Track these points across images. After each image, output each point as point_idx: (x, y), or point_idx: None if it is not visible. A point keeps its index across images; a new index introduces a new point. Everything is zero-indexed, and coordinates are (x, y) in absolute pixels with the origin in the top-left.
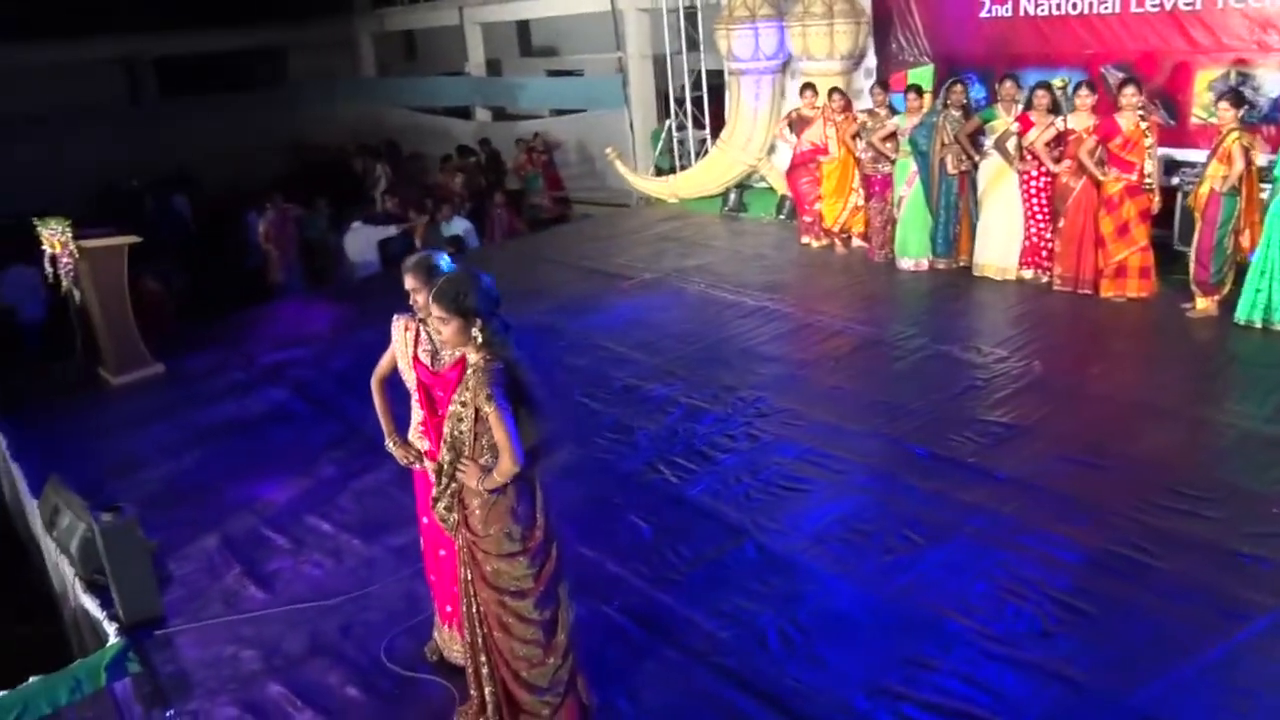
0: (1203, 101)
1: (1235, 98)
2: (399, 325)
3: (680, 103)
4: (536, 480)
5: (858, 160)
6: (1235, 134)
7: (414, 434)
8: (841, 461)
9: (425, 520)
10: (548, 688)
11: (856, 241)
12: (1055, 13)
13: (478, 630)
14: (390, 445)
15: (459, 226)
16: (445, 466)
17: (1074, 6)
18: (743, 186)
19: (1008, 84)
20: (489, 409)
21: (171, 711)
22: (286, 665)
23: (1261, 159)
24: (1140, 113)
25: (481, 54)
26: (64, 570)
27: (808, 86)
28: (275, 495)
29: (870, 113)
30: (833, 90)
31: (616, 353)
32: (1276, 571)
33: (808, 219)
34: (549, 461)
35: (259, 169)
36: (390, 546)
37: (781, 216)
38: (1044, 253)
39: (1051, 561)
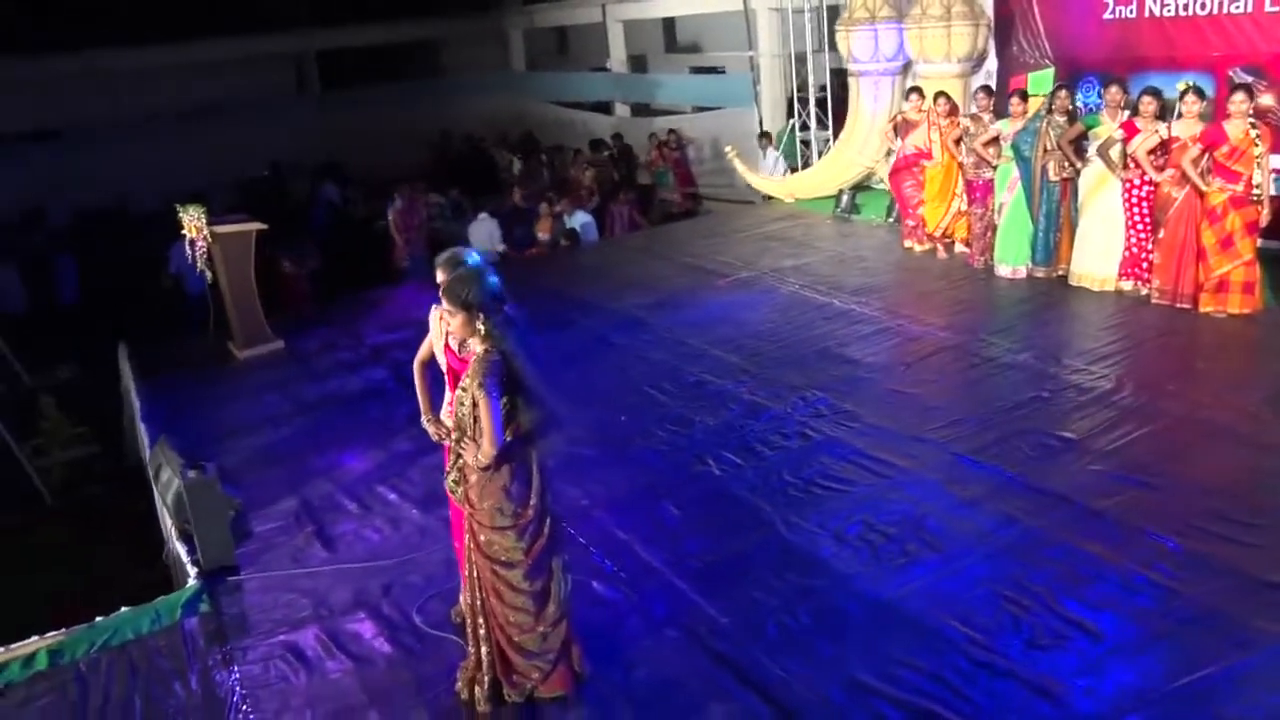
0: None
1: None
2: (435, 314)
3: (804, 102)
4: (534, 463)
5: (960, 165)
6: None
7: (445, 413)
8: (886, 465)
9: None
10: (538, 653)
11: (959, 247)
12: (1182, 13)
13: (477, 594)
14: (425, 422)
15: (579, 220)
16: (453, 444)
17: (1202, 7)
18: (857, 188)
19: (1113, 89)
20: (479, 395)
21: (229, 645)
22: (330, 616)
23: None
24: (1251, 120)
25: (623, 50)
26: (166, 519)
27: (914, 90)
28: (355, 465)
29: (974, 117)
30: (939, 94)
31: (696, 348)
32: None
33: (910, 223)
34: (544, 445)
35: (410, 158)
36: (443, 517)
37: (891, 220)
38: (1144, 264)
39: (1070, 577)
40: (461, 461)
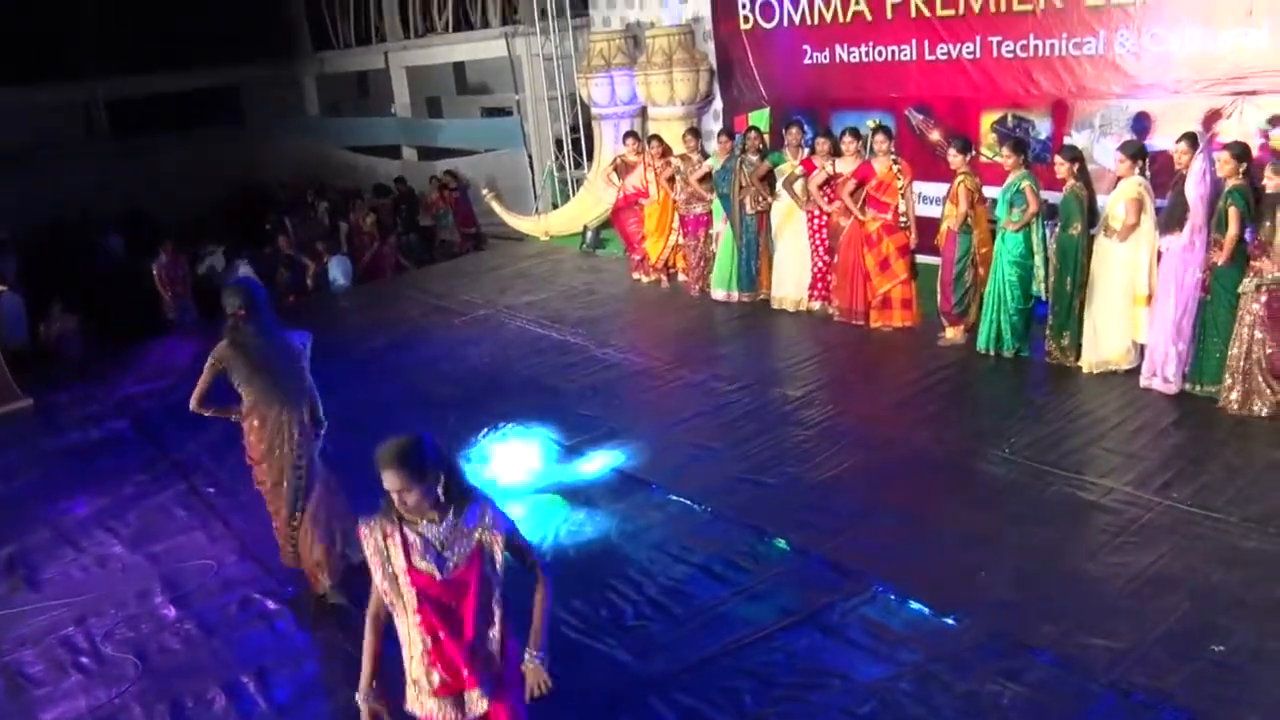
0: (987, 141)
1: (1016, 145)
2: (372, 533)
3: (560, 144)
4: None
5: (675, 201)
6: (962, 177)
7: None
8: (547, 480)
9: None
10: None
11: (681, 276)
12: (864, 60)
13: None
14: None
15: (336, 266)
16: None
17: (879, 54)
18: (602, 225)
19: (792, 130)
20: None
21: None
22: (19, 649)
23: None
24: (893, 157)
25: (407, 95)
26: None
27: (630, 134)
28: (78, 511)
29: (683, 157)
30: (652, 137)
31: (413, 383)
32: (837, 574)
33: (636, 257)
34: None
35: (201, 207)
36: (149, 553)
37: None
38: (827, 286)
39: (668, 565)
40: None
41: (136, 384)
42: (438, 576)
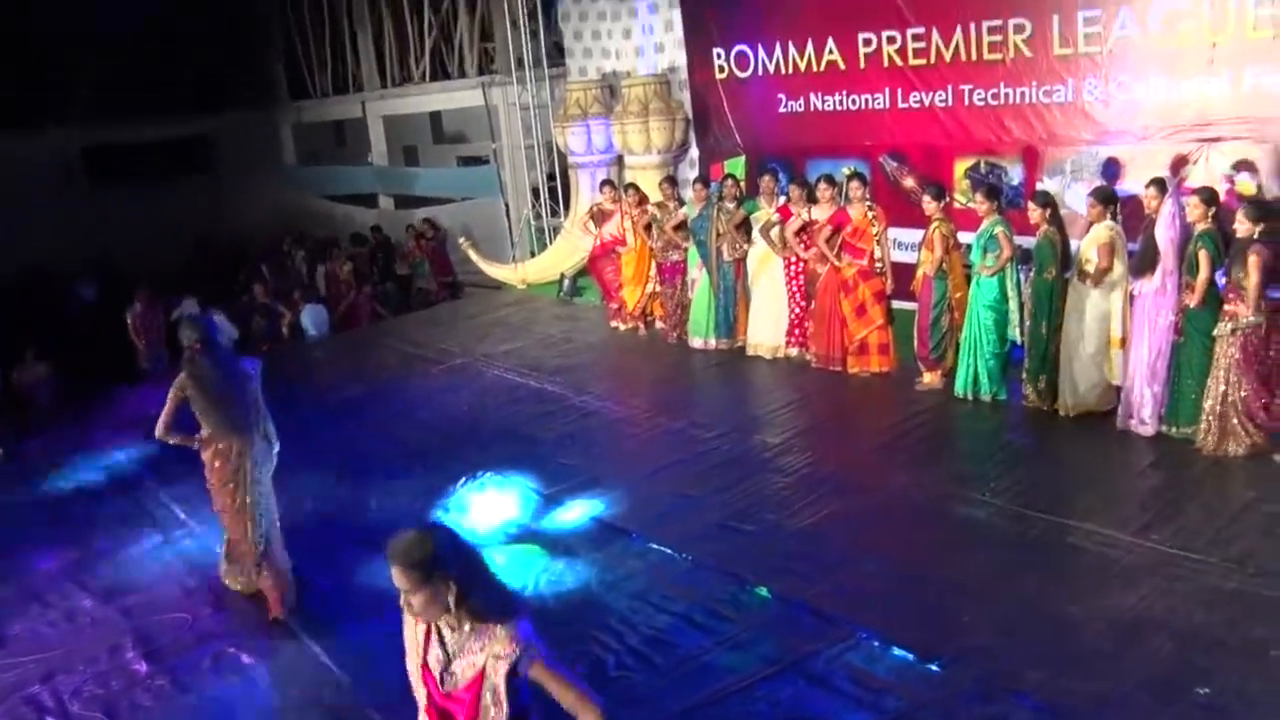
0: (961, 187)
1: (989, 191)
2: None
3: (536, 192)
4: None
5: (652, 249)
6: (937, 223)
7: None
8: (523, 529)
9: None
10: None
11: (658, 324)
12: (838, 108)
13: None
14: None
15: (310, 314)
16: None
17: (853, 103)
18: (580, 273)
19: (765, 178)
20: None
21: None
22: None
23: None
24: (868, 203)
25: (384, 144)
26: None
27: (606, 182)
28: (48, 565)
29: (659, 205)
30: (629, 185)
31: (390, 432)
32: (819, 622)
33: (614, 305)
34: None
35: (176, 255)
36: (121, 606)
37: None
38: (805, 332)
39: (649, 614)
40: None
41: (109, 433)
42: (440, 688)
